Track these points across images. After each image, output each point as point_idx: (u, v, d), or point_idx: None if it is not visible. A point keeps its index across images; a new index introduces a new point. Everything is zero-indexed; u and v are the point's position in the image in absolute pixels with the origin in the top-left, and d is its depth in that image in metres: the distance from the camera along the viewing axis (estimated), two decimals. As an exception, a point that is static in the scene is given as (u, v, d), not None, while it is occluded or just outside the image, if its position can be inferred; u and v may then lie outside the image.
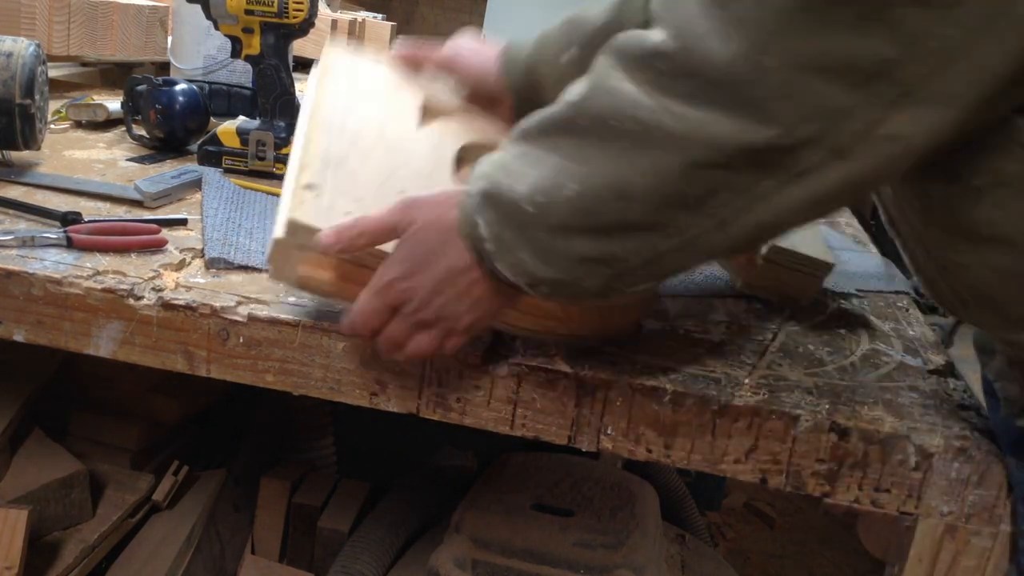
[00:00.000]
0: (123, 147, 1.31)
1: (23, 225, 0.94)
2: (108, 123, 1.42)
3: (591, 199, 0.62)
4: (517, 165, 0.65)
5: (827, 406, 0.77)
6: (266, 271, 0.89)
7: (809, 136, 0.56)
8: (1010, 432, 0.74)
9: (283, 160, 1.20)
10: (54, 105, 1.39)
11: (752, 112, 0.56)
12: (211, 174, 1.16)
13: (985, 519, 0.74)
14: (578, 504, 1.14)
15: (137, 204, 1.05)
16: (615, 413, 0.77)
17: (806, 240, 0.95)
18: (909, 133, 0.56)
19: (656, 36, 0.59)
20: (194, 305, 0.80)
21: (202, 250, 0.92)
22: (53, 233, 0.89)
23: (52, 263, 0.84)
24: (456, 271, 0.69)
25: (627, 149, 0.60)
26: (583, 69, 0.65)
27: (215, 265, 0.88)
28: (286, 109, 1.22)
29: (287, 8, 1.17)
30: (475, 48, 0.96)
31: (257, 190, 1.13)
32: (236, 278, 0.87)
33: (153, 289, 0.82)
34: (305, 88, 0.95)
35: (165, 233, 0.94)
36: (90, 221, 0.95)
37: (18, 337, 0.84)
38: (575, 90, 0.64)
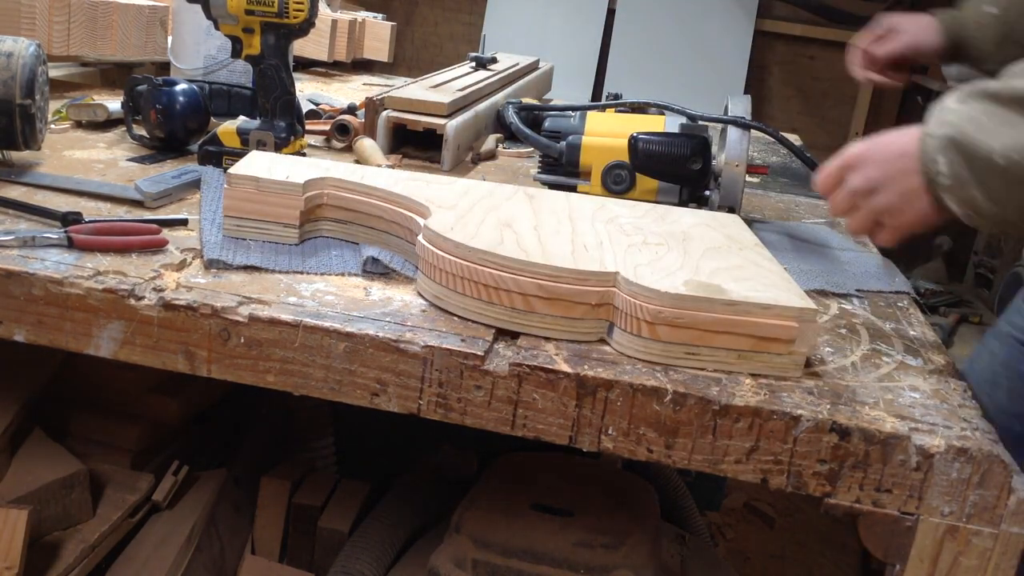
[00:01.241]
0: (123, 147, 1.31)
1: (24, 225, 0.94)
2: (108, 123, 1.42)
3: None
4: (987, 122, 0.77)
5: (828, 406, 0.77)
6: (268, 270, 0.89)
7: None
8: None
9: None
10: (54, 105, 1.39)
11: None
12: (210, 173, 1.16)
13: (986, 519, 0.74)
14: (578, 504, 1.14)
15: (138, 204, 1.05)
16: (616, 413, 0.77)
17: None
18: None
19: None
20: (195, 305, 0.80)
21: (202, 250, 0.92)
22: (54, 233, 0.89)
23: (53, 263, 0.84)
24: (905, 184, 0.84)
25: None
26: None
27: (214, 266, 0.88)
28: (286, 109, 1.22)
29: (287, 8, 1.17)
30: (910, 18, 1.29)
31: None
32: (237, 278, 0.87)
33: (154, 289, 0.82)
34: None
35: (166, 233, 0.94)
36: (91, 221, 0.95)
37: (18, 337, 0.84)
38: None
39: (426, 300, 0.87)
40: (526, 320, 0.83)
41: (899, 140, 0.86)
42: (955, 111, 0.81)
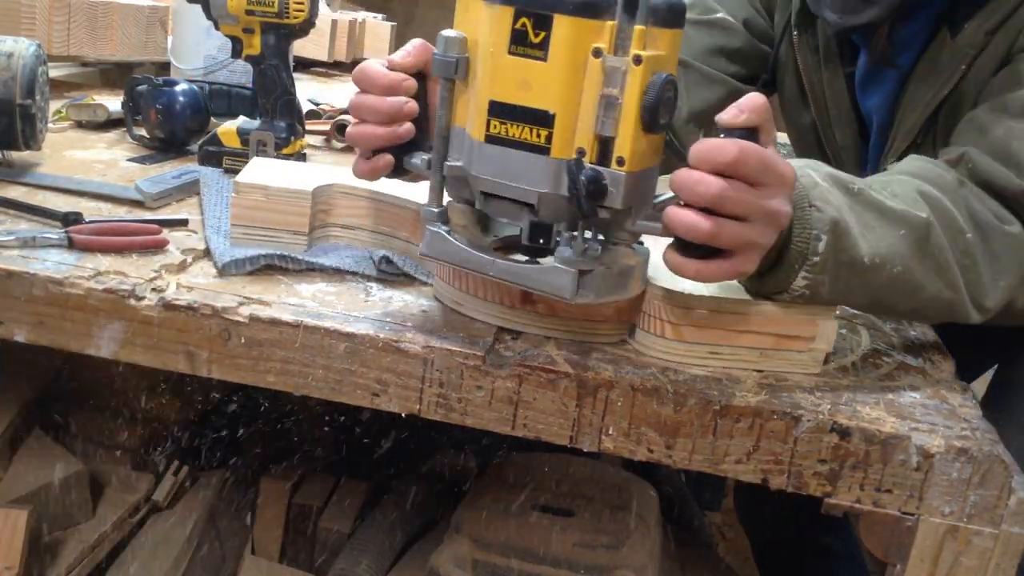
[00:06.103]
0: (124, 147, 1.31)
1: (24, 225, 0.94)
2: (108, 123, 1.42)
3: (903, 283, 0.81)
4: (860, 224, 0.78)
5: (828, 406, 0.77)
6: (283, 268, 0.89)
7: None
8: None
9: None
10: (54, 105, 1.38)
11: None
12: (209, 175, 1.15)
13: (987, 519, 0.74)
14: (578, 504, 1.14)
15: (138, 204, 1.05)
16: (616, 413, 0.77)
17: None
18: None
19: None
20: (195, 305, 0.80)
21: (204, 250, 0.92)
22: (54, 233, 0.89)
23: (53, 263, 0.84)
24: (768, 235, 0.75)
25: (949, 276, 0.83)
26: None
27: (228, 272, 0.88)
28: (287, 109, 1.22)
29: (287, 8, 1.17)
30: None
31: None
32: (237, 278, 0.87)
33: (154, 290, 0.82)
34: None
35: (166, 233, 0.93)
36: (91, 221, 0.95)
37: (19, 337, 0.84)
38: (933, 205, 0.83)
39: (444, 304, 0.87)
40: (550, 324, 0.82)
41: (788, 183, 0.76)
42: (832, 193, 0.77)
